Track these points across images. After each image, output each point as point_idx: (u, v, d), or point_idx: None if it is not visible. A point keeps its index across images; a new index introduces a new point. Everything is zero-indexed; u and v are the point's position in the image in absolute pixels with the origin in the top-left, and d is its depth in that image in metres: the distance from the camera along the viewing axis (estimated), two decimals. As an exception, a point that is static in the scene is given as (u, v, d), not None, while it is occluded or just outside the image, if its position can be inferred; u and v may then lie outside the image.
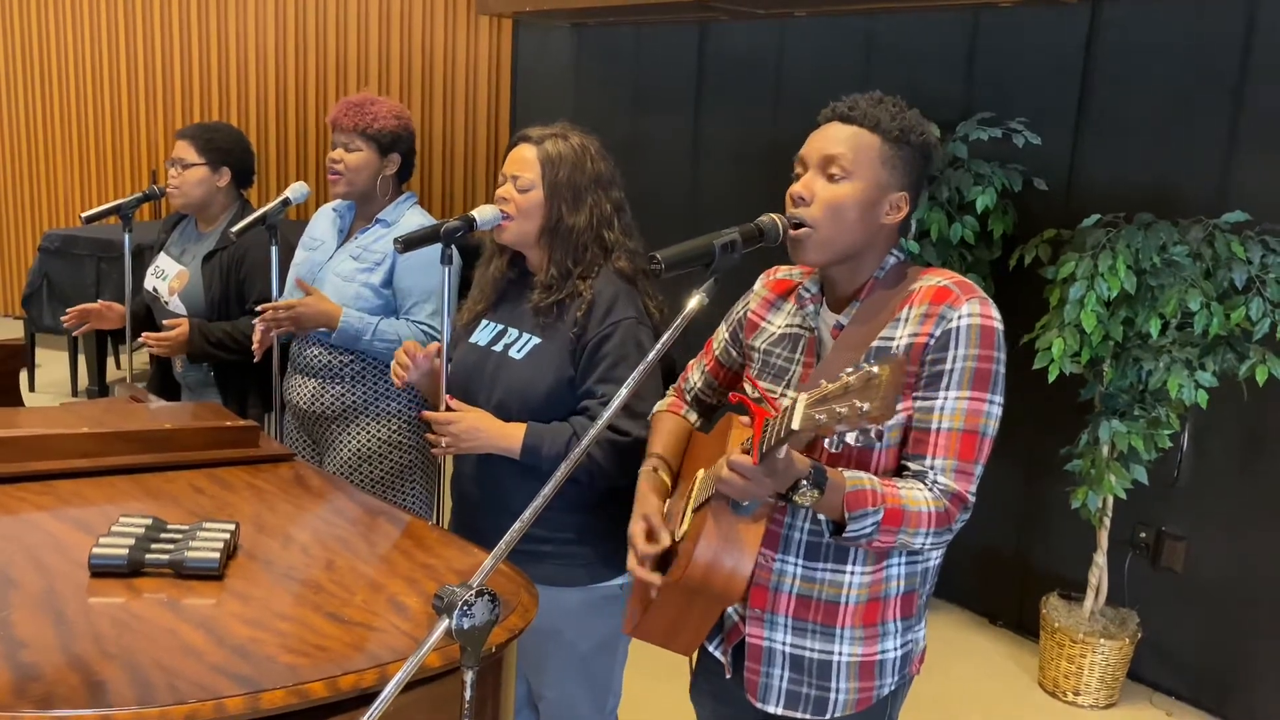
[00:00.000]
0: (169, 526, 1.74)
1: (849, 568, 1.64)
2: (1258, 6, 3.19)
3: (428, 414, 2.10)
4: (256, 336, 2.69)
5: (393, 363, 2.23)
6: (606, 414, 1.46)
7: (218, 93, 6.62)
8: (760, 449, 1.40)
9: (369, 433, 2.77)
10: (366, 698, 1.42)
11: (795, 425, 1.30)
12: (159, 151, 6.82)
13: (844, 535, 1.50)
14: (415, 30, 5.99)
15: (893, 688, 1.72)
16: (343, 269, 2.76)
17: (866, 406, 1.20)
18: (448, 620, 1.31)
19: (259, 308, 2.68)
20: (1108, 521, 3.36)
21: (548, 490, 1.41)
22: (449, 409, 2.11)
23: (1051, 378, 3.10)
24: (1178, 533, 3.48)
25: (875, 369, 1.21)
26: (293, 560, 1.77)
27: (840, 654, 1.67)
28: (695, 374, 1.97)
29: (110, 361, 5.98)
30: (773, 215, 1.63)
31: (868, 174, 1.60)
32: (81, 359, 5.82)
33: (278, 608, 1.58)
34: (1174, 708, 3.47)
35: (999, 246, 3.62)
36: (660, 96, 4.92)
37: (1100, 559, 3.40)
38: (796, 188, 1.63)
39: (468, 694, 1.34)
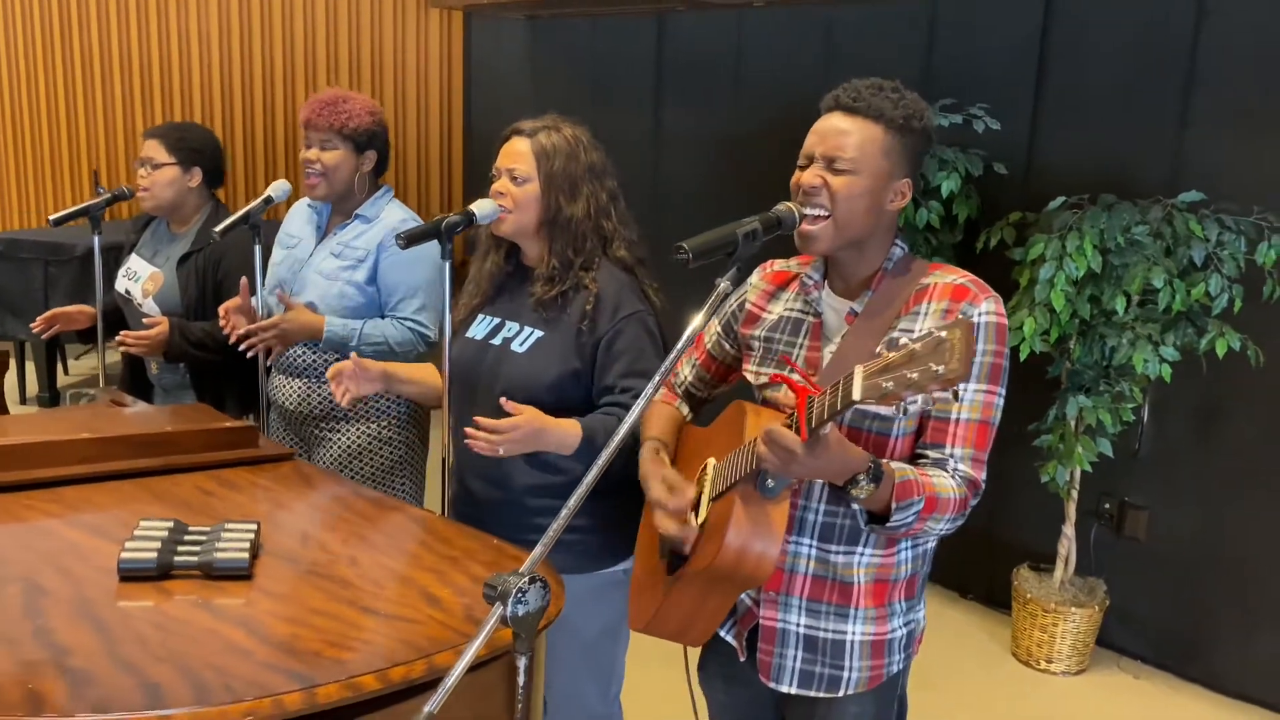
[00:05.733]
0: (191, 529, 1.73)
1: (860, 549, 1.69)
2: (1206, -7, 3.32)
3: (481, 420, 1.98)
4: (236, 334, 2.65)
5: (332, 384, 2.24)
6: (648, 390, 1.47)
7: (160, 91, 6.49)
8: (808, 425, 1.43)
9: (357, 430, 2.76)
10: (412, 690, 1.44)
11: (857, 395, 1.33)
12: (100, 151, 6.66)
13: (887, 525, 1.54)
14: (363, 24, 5.93)
15: (900, 665, 1.78)
16: (325, 267, 2.74)
17: (942, 369, 1.24)
18: (502, 608, 1.33)
19: (241, 331, 2.63)
20: (1075, 494, 3.47)
21: (591, 476, 1.43)
22: (503, 414, 2.02)
23: (1023, 357, 3.19)
24: (1140, 503, 3.60)
25: (944, 333, 1.25)
26: (315, 557, 1.77)
27: (854, 633, 1.72)
28: (686, 368, 2.00)
29: (59, 368, 5.85)
30: (788, 204, 1.67)
31: (874, 165, 1.65)
32: (30, 365, 5.68)
33: (312, 604, 1.59)
34: (1140, 670, 3.61)
35: (962, 230, 3.71)
36: (619, 88, 4.94)
37: (1069, 530, 3.52)
38: (807, 178, 1.67)
39: (521, 680, 1.37)
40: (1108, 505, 3.65)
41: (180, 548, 1.66)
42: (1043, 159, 3.70)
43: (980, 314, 1.62)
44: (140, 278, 3.10)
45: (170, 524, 1.72)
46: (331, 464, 2.76)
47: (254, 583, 1.64)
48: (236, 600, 1.59)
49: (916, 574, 1.75)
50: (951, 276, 1.67)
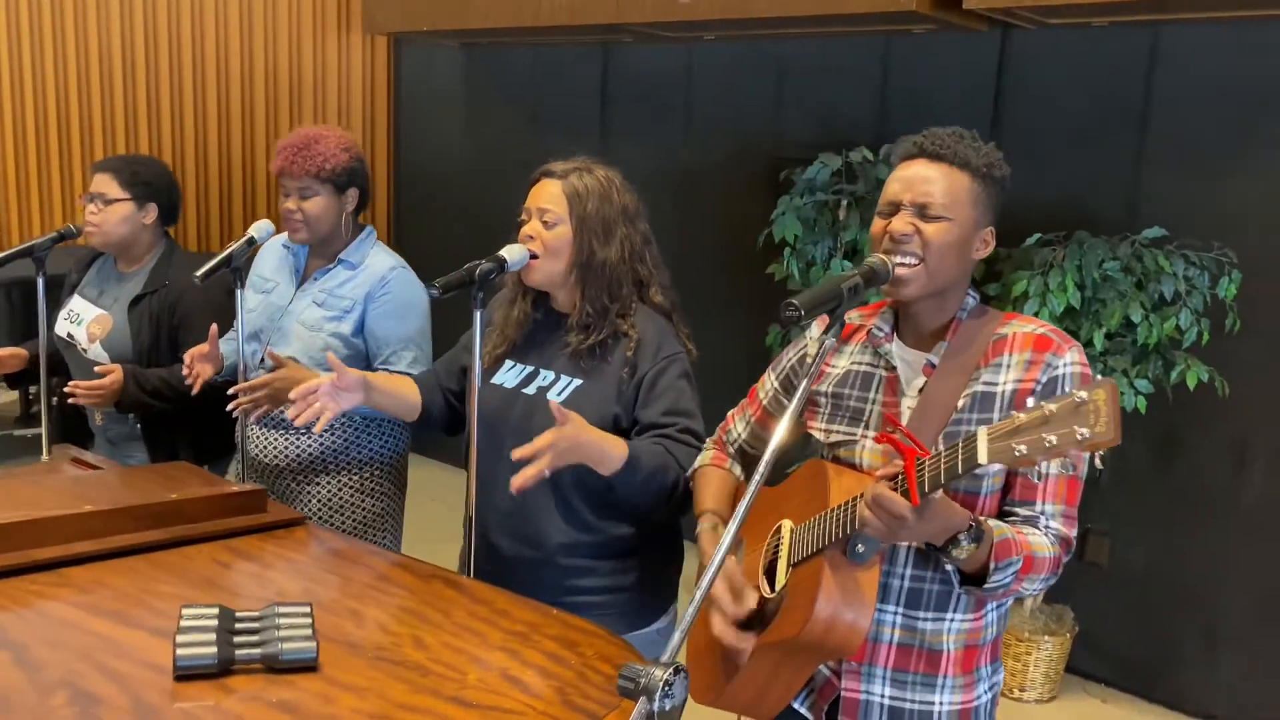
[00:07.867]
0: (239, 615, 1.57)
1: (950, 615, 1.64)
2: (1159, 35, 3.43)
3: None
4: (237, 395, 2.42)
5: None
6: (763, 463, 1.42)
7: (55, 113, 6.08)
8: (920, 489, 1.38)
9: (338, 482, 2.60)
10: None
11: (983, 459, 1.28)
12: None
13: (984, 586, 1.49)
14: (281, 46, 5.68)
15: None
16: (308, 317, 2.57)
17: (1088, 432, 1.19)
18: (647, 704, 1.23)
19: (230, 391, 2.41)
20: (1045, 524, 3.52)
21: (727, 540, 1.35)
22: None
23: (1003, 391, 3.22)
24: (1101, 528, 3.69)
25: (1084, 394, 1.21)
26: (377, 639, 1.63)
27: (941, 704, 1.66)
28: (739, 425, 1.94)
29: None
30: (880, 255, 1.63)
31: (962, 213, 1.63)
32: (-84, 410, 5.24)
33: (396, 697, 1.46)
34: (1107, 694, 3.68)
35: (924, 264, 3.74)
36: (561, 118, 4.85)
37: (1039, 560, 3.56)
38: (898, 225, 1.63)
39: (663, 776, 1.27)
40: (1071, 533, 3.72)
41: (237, 638, 1.50)
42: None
43: (1065, 364, 1.60)
44: (84, 320, 2.87)
45: (216, 610, 1.56)
46: (310, 519, 2.59)
47: (322, 674, 1.50)
48: (312, 695, 1.44)
49: (999, 635, 1.71)
50: (1030, 326, 1.65)
